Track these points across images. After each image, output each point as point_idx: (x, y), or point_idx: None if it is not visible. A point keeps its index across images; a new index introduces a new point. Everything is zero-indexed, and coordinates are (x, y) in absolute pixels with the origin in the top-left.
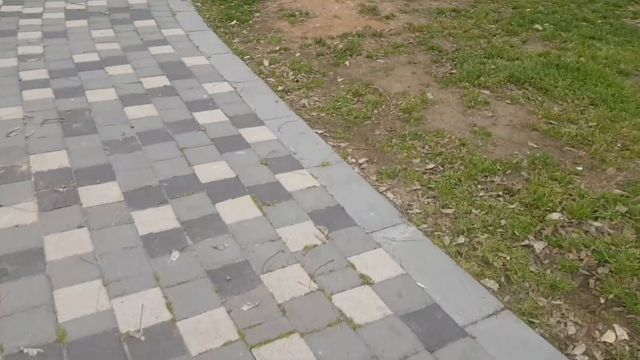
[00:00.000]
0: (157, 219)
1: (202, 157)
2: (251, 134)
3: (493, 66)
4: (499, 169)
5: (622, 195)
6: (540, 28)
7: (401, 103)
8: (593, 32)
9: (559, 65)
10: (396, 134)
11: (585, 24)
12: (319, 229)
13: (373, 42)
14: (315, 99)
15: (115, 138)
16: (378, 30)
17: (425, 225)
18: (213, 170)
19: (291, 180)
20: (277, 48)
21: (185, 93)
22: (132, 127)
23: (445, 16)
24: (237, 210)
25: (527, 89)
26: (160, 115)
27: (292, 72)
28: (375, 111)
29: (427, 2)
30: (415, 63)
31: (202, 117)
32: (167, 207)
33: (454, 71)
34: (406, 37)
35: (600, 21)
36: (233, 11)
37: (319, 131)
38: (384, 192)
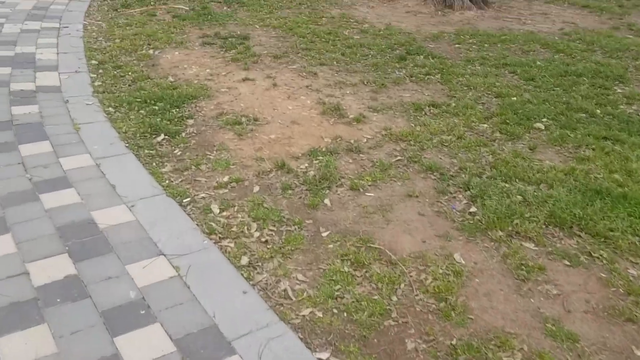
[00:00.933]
0: None
1: None
2: None
3: (519, 197)
4: None
5: None
6: (542, 127)
7: (426, 278)
8: (603, 130)
9: (599, 192)
10: (439, 345)
11: (585, 115)
12: None
13: (351, 161)
14: (299, 276)
15: None
16: (352, 141)
17: None
18: None
19: None
20: (226, 179)
21: (100, 291)
22: None
23: (425, 114)
24: None
25: (580, 236)
26: (61, 354)
27: (255, 225)
28: (394, 298)
29: (395, 93)
30: (417, 196)
31: (131, 347)
32: None
33: (474, 209)
34: (390, 151)
35: (598, 111)
36: (158, 119)
37: (324, 355)
38: None
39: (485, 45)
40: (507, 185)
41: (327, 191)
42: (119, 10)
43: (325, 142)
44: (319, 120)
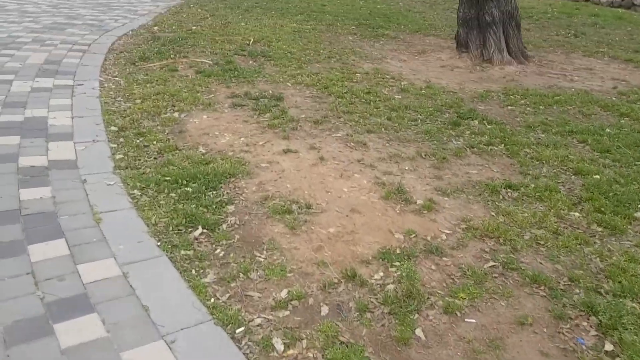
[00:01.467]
0: None
1: None
2: None
3: None
4: None
5: None
6: None
7: None
8: None
9: None
10: None
11: None
12: None
13: (434, 268)
14: None
15: None
16: (429, 238)
17: None
18: None
19: None
20: (285, 294)
21: None
22: None
23: (503, 198)
24: None
25: None
26: None
27: None
28: None
29: (460, 169)
30: (530, 323)
31: None
32: None
33: (609, 346)
34: (478, 253)
35: None
36: (193, 205)
37: None
38: None
39: (540, 107)
40: (636, 306)
41: (416, 315)
42: (137, 64)
43: (396, 239)
44: (382, 207)
